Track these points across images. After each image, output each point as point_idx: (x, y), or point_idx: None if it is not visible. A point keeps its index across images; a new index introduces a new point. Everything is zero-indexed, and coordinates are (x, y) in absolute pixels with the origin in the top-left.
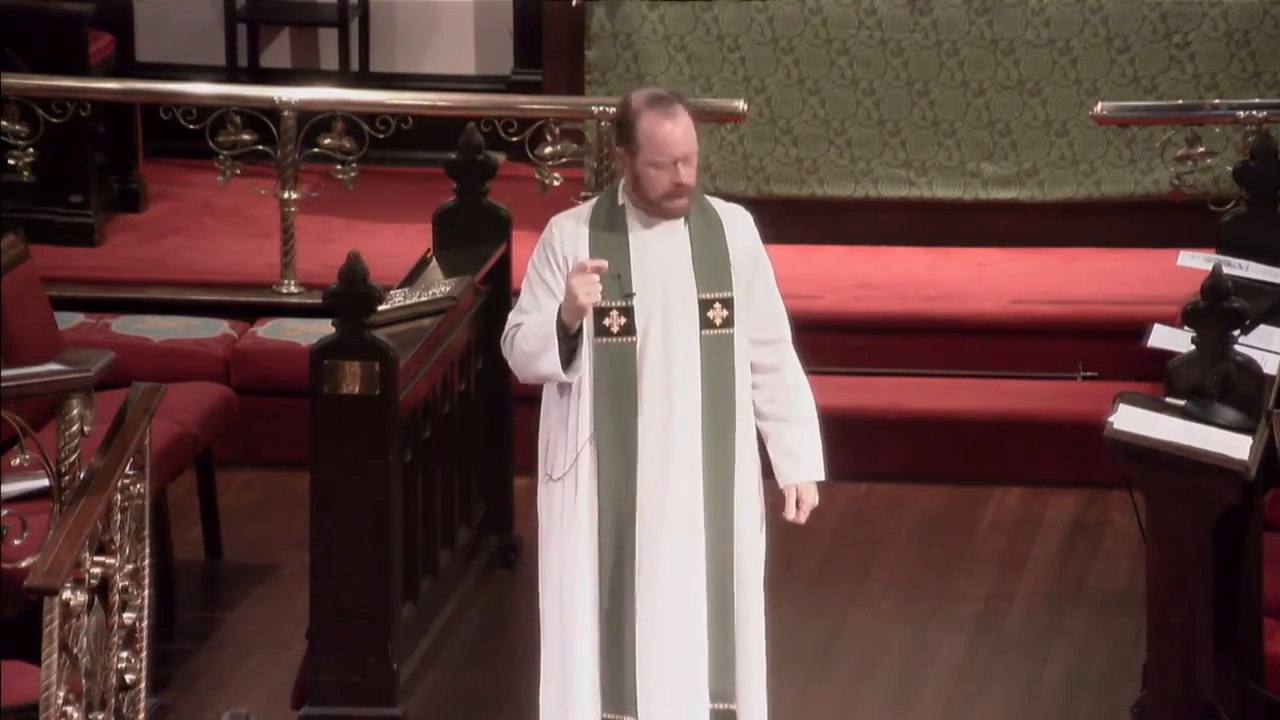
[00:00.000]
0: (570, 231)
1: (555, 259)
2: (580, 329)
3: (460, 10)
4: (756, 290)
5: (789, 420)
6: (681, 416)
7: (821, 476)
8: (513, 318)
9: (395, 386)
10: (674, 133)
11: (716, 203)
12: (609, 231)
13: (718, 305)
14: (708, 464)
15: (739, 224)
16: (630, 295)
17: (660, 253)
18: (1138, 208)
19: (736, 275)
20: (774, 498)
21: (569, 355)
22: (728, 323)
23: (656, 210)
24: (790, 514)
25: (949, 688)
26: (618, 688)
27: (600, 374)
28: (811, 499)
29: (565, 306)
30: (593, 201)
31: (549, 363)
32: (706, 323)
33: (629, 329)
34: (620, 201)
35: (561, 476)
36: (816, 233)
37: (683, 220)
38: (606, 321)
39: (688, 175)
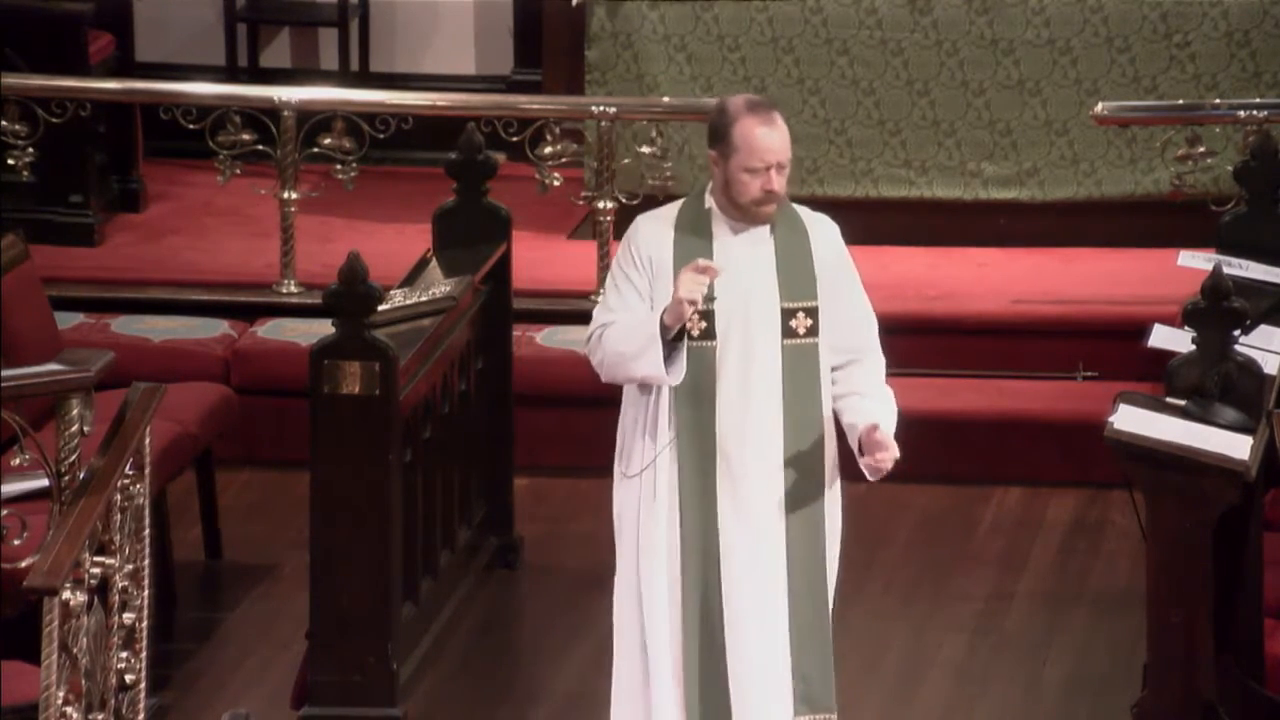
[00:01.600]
0: (654, 232)
1: (639, 258)
2: (682, 332)
3: (460, 10)
4: (838, 299)
5: (863, 394)
6: (757, 425)
7: (892, 430)
8: (600, 316)
9: (395, 386)
10: (772, 138)
11: (803, 210)
12: (694, 234)
13: (801, 314)
14: (790, 474)
15: (823, 232)
16: (711, 299)
17: (744, 259)
18: (1138, 208)
19: (821, 284)
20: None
21: (669, 357)
22: (811, 332)
23: (744, 215)
24: (871, 449)
25: (949, 688)
26: (707, 699)
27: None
28: (893, 448)
29: (669, 304)
30: (679, 203)
31: (648, 364)
32: (789, 331)
33: (709, 333)
34: (707, 205)
35: (638, 474)
36: None
37: (769, 228)
38: (688, 324)
39: (779, 182)
